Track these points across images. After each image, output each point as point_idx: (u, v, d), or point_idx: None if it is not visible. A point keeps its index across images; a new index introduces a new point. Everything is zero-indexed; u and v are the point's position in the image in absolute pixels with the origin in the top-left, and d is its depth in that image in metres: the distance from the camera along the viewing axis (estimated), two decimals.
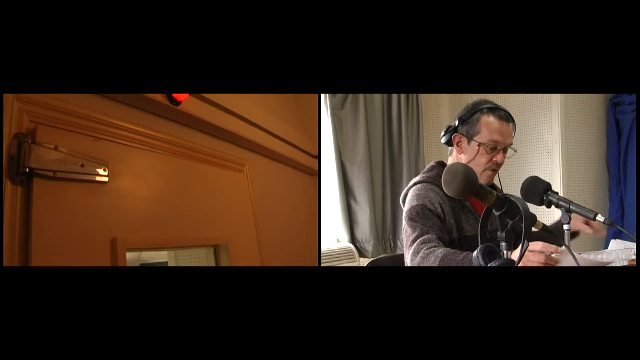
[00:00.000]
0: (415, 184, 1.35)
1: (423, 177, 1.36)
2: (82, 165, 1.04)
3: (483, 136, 1.27)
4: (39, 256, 0.93)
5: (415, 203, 1.27)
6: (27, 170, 0.91)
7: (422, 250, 1.17)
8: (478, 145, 1.28)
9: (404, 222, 1.30)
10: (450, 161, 1.38)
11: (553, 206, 1.31)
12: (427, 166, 1.40)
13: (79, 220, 1.05)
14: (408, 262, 1.24)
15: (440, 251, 1.14)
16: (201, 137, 1.55)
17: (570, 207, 1.26)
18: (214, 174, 1.64)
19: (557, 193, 1.31)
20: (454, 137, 1.33)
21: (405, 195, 1.37)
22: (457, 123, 1.32)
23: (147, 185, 1.30)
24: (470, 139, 1.29)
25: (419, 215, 1.25)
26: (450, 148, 1.39)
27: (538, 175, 1.35)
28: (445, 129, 1.36)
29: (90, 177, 1.08)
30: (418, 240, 1.20)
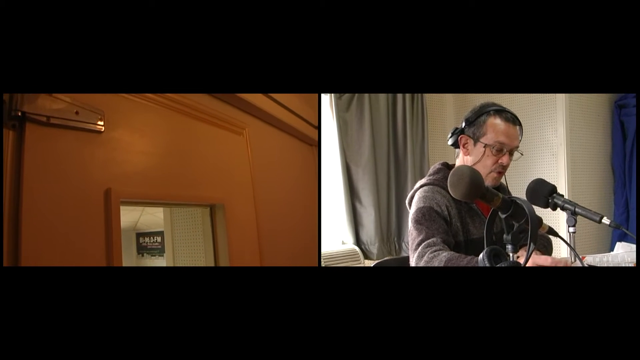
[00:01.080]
0: (421, 186, 1.36)
1: (429, 179, 1.36)
2: (77, 113, 1.03)
3: (489, 138, 1.28)
4: (30, 201, 0.92)
5: (421, 205, 1.28)
6: (20, 114, 0.89)
7: (427, 254, 1.18)
8: (484, 147, 1.28)
9: (410, 225, 1.30)
10: (457, 163, 1.39)
11: (558, 209, 1.31)
12: (433, 168, 1.41)
13: (72, 169, 1.04)
14: (413, 265, 1.25)
15: (445, 255, 1.15)
16: (201, 96, 1.53)
17: (576, 209, 1.26)
18: (213, 133, 1.62)
19: (562, 195, 1.31)
20: (461, 138, 1.34)
21: (412, 197, 1.38)
22: (463, 125, 1.33)
23: (144, 138, 1.28)
24: (476, 140, 1.30)
25: (425, 218, 1.26)
26: (457, 150, 1.39)
27: (543, 178, 1.35)
28: (452, 131, 1.37)
29: (85, 126, 1.06)
30: (423, 244, 1.21)
